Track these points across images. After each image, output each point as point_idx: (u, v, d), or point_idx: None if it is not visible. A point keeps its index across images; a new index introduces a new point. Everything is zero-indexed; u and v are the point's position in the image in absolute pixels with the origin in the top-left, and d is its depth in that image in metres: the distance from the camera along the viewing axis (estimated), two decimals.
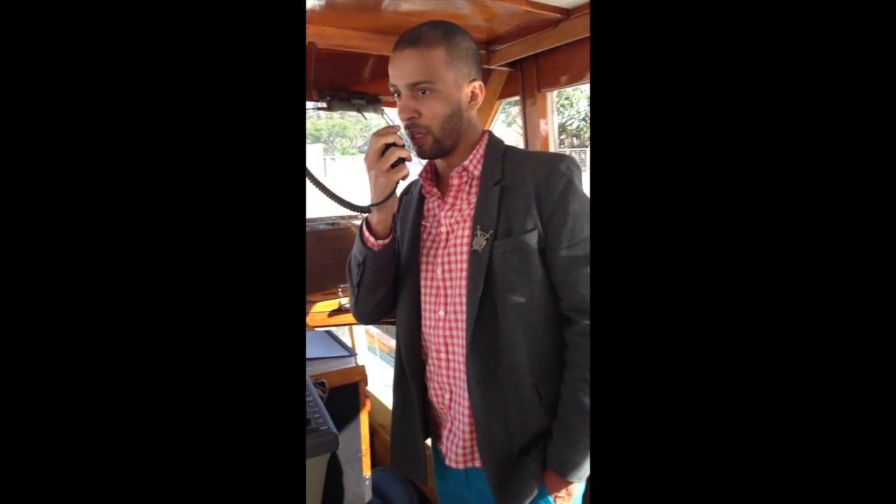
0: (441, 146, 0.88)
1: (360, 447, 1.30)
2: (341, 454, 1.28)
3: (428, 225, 0.95)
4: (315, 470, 1.01)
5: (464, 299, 0.87)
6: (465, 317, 0.87)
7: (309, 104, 1.57)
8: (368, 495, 1.31)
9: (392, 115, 1.81)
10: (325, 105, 1.57)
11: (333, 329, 2.04)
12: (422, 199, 0.97)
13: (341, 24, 1.39)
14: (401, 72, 0.85)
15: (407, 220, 0.98)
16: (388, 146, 0.84)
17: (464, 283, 0.87)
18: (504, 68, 1.56)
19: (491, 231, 0.85)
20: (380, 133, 0.85)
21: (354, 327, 2.53)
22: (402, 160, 0.85)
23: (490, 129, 1.81)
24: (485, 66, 1.61)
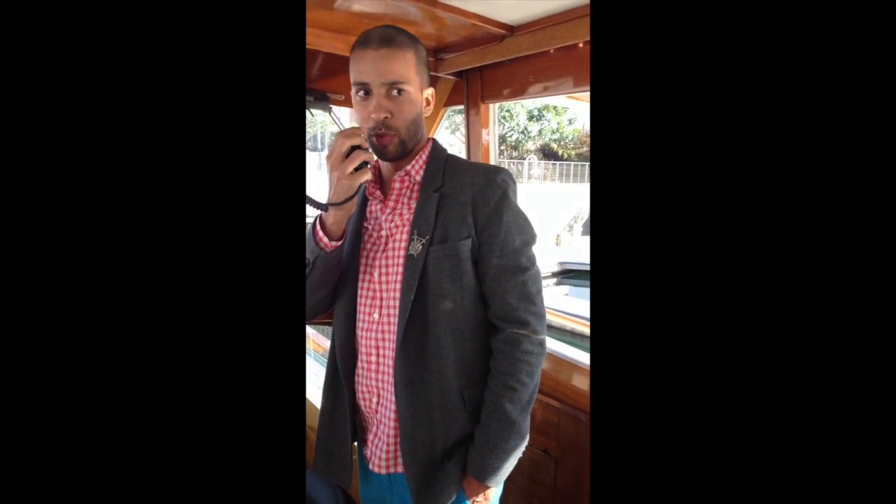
0: (405, 148, 0.89)
1: None
2: None
3: (369, 227, 0.95)
4: None
5: (397, 303, 0.88)
6: (396, 320, 0.88)
7: None
8: None
9: (341, 115, 1.80)
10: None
11: None
12: (365, 201, 0.97)
13: None
14: (377, 70, 0.84)
15: (349, 220, 0.97)
16: (353, 148, 0.83)
17: (399, 286, 0.88)
18: (450, 77, 1.59)
19: (427, 237, 0.87)
20: (345, 134, 0.84)
21: None
22: (365, 163, 0.85)
23: (434, 135, 1.85)
24: (432, 74, 1.64)
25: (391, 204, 0.93)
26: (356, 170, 0.83)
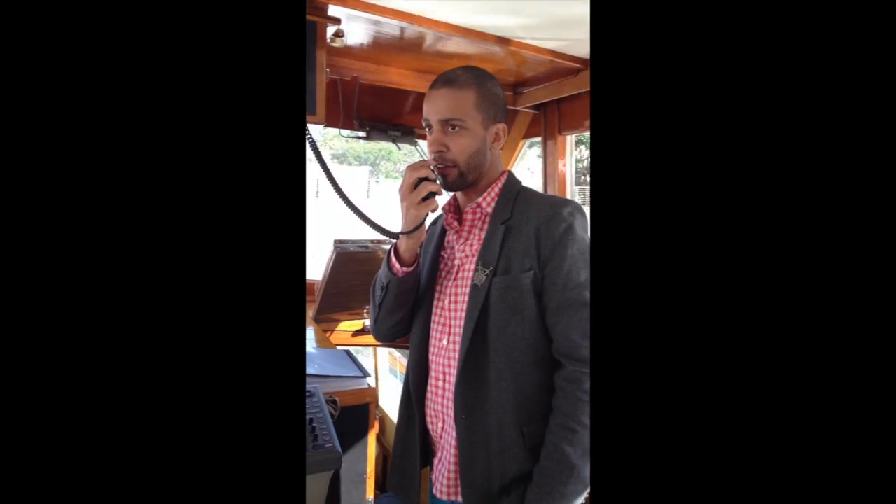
0: (464, 180, 0.93)
1: (365, 469, 1.33)
2: (346, 474, 1.31)
3: (446, 256, 0.99)
4: (317, 486, 1.04)
5: (462, 331, 0.90)
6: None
7: (349, 132, 1.67)
8: None
9: (425, 147, 1.89)
10: (364, 134, 1.66)
11: (357, 349, 2.09)
12: (444, 231, 1.02)
13: (384, 62, 1.49)
14: (435, 108, 0.91)
15: (429, 249, 1.03)
16: (420, 180, 0.89)
17: (464, 315, 0.90)
18: (529, 110, 1.62)
19: (491, 267, 0.89)
20: (414, 167, 0.90)
21: (378, 349, 2.58)
22: (432, 194, 0.90)
23: (512, 167, 1.88)
24: (512, 108, 1.68)
25: (464, 234, 0.97)
26: (424, 200, 0.88)
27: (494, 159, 0.97)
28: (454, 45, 1.30)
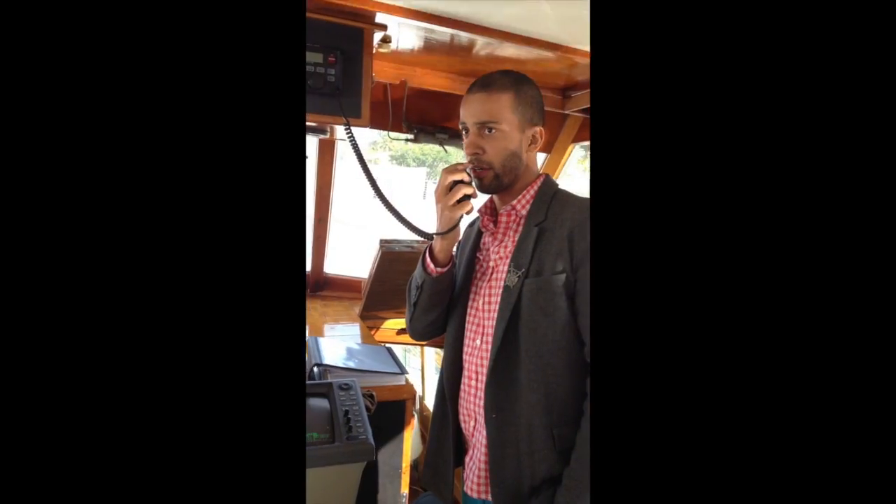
0: (500, 182, 0.94)
1: (400, 463, 1.36)
2: (382, 468, 1.35)
3: (481, 257, 1.01)
4: (350, 476, 1.08)
5: (494, 332, 0.91)
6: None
7: (399, 134, 1.71)
8: None
9: None
10: (412, 137, 1.70)
11: (408, 348, 2.13)
12: (480, 233, 1.03)
13: (433, 66, 1.52)
14: (471, 111, 0.93)
15: (465, 250, 1.05)
16: (455, 182, 0.91)
17: (497, 315, 0.91)
18: (579, 114, 1.59)
19: (523, 269, 0.89)
20: (449, 170, 0.92)
21: (425, 348, 2.62)
22: (467, 196, 0.92)
23: (561, 170, 1.85)
24: (561, 112, 1.66)
25: (499, 236, 0.98)
26: (458, 202, 0.90)
27: (531, 162, 0.97)
28: (504, 50, 1.31)
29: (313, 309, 2.02)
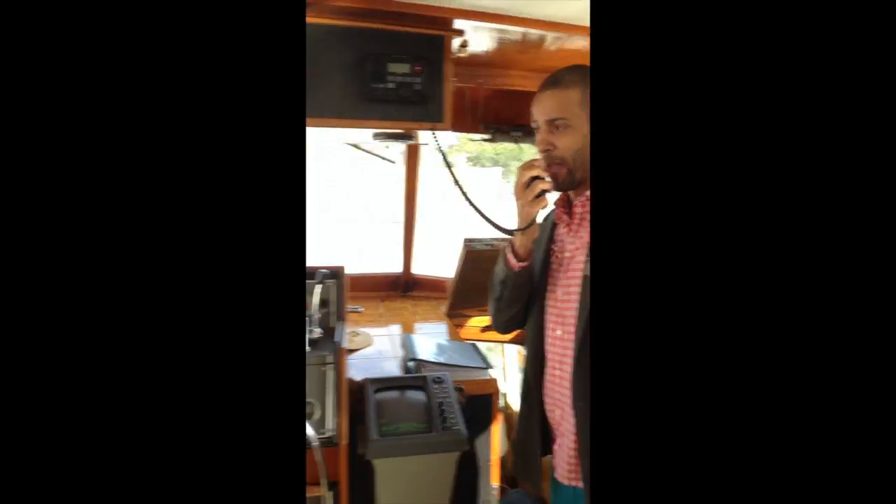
0: (573, 177, 0.96)
1: (489, 456, 1.39)
2: (472, 461, 1.39)
3: (556, 249, 1.03)
4: (446, 466, 1.13)
5: (576, 321, 0.92)
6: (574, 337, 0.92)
7: (476, 136, 1.75)
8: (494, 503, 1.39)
9: None
10: (489, 137, 1.73)
11: (489, 346, 2.16)
12: (554, 225, 1.05)
13: (506, 65, 1.54)
14: (541, 109, 0.96)
15: (541, 244, 1.06)
16: (533, 179, 0.93)
17: (577, 305, 0.93)
18: None
19: None
20: (526, 166, 0.95)
21: (505, 346, 2.63)
22: (544, 192, 0.94)
23: None
24: None
25: (574, 227, 0.99)
26: (536, 197, 0.92)
27: None
28: (573, 43, 1.30)
29: (404, 309, 2.11)
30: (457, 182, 1.07)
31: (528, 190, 0.93)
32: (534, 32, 1.22)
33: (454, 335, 1.80)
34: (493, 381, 1.38)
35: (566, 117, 0.93)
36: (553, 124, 0.94)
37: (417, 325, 1.91)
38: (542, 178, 0.93)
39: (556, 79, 0.96)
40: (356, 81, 1.04)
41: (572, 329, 0.94)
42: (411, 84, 1.05)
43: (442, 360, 1.36)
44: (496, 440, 1.41)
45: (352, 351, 1.56)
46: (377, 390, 1.15)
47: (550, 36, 1.26)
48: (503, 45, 1.34)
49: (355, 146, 1.46)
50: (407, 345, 1.45)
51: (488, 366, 1.40)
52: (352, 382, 1.21)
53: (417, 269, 2.30)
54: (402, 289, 2.26)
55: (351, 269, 2.26)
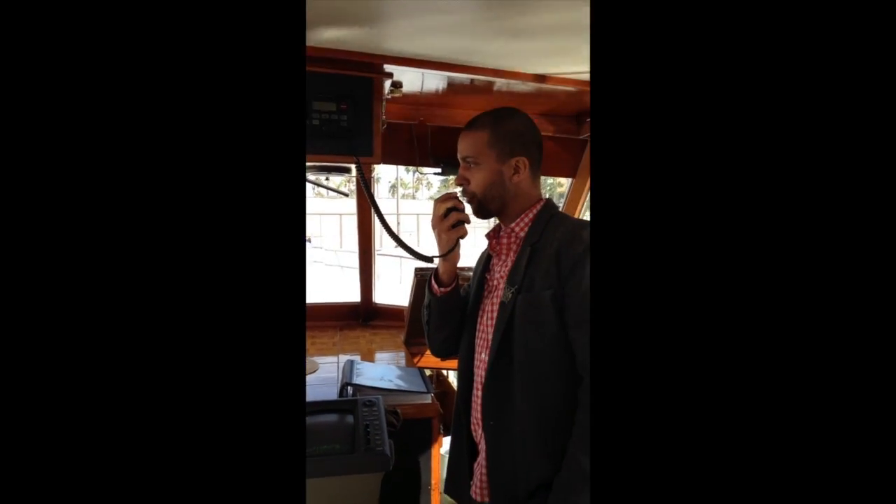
0: (485, 209, 1.04)
1: (430, 479, 1.41)
2: (412, 484, 1.40)
3: (488, 277, 1.09)
4: (369, 486, 1.15)
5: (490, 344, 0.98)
6: None
7: (428, 169, 1.83)
8: None
9: None
10: (440, 170, 1.81)
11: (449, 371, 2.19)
12: (490, 255, 1.12)
13: (459, 105, 1.64)
14: (459, 148, 1.05)
15: (477, 271, 1.14)
16: (449, 210, 1.02)
17: (493, 329, 0.99)
18: None
19: (516, 286, 0.96)
20: (441, 199, 1.04)
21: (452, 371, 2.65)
22: (461, 221, 1.03)
23: (587, 191, 1.88)
24: (577, 137, 1.72)
25: (502, 257, 1.06)
26: (454, 227, 1.01)
27: (521, 189, 1.04)
28: (517, 87, 1.41)
29: (363, 338, 2.15)
30: (378, 213, 1.15)
31: (445, 220, 1.01)
32: (480, 77, 1.32)
33: (410, 363, 1.84)
34: (433, 405, 1.41)
35: (474, 156, 1.02)
36: (466, 162, 1.03)
37: (378, 355, 1.94)
38: (458, 210, 1.02)
39: (471, 122, 1.05)
40: None
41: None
42: (337, 121, 1.14)
43: (380, 385, 1.40)
44: (437, 462, 1.43)
45: None
46: (306, 413, 1.19)
47: (499, 81, 1.36)
48: (454, 86, 1.44)
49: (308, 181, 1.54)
50: (347, 370, 1.49)
51: (428, 390, 1.44)
52: None
53: (379, 298, 2.35)
54: (361, 318, 2.31)
55: (315, 299, 2.31)
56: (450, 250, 1.04)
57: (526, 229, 1.02)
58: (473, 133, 1.03)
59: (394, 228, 1.23)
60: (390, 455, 1.13)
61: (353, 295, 2.32)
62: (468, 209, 1.05)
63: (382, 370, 1.58)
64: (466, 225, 1.04)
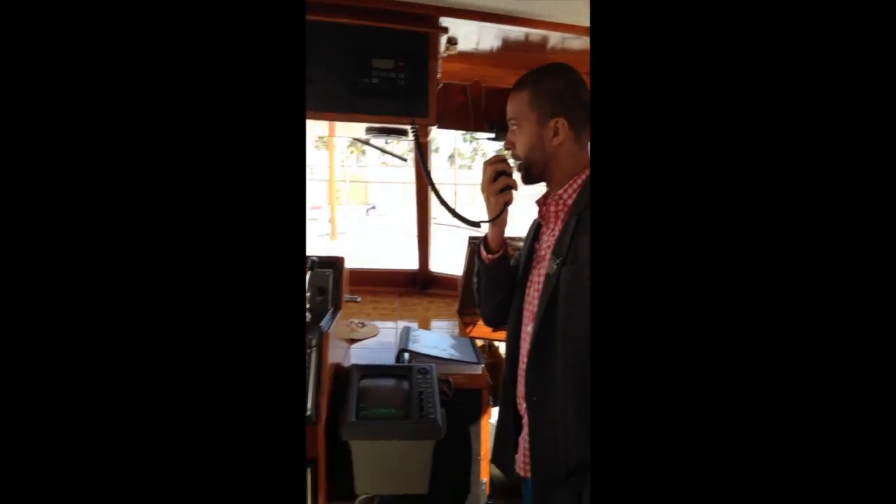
0: (529, 173, 0.99)
1: (479, 450, 1.40)
2: (463, 453, 1.40)
3: (537, 246, 1.04)
4: (422, 451, 1.15)
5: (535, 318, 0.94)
6: None
7: (482, 134, 1.77)
8: (484, 498, 1.40)
9: None
10: (493, 135, 1.74)
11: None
12: (540, 224, 1.06)
13: (512, 65, 1.55)
14: (507, 110, 1.00)
15: (528, 240, 1.08)
16: (499, 173, 0.97)
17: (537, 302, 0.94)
18: None
19: (561, 257, 0.90)
20: (490, 161, 1.00)
21: None
22: (508, 186, 0.99)
23: None
24: None
25: (550, 225, 1.00)
26: (501, 191, 0.97)
27: (564, 152, 0.97)
28: (571, 43, 1.30)
29: (419, 305, 2.15)
30: (428, 176, 1.11)
31: (494, 184, 0.97)
32: (536, 32, 1.23)
33: (463, 333, 1.82)
34: (483, 376, 1.39)
35: (516, 118, 0.97)
36: (511, 124, 0.99)
37: (433, 323, 1.94)
38: (506, 173, 0.97)
39: (518, 81, 0.99)
40: (342, 77, 1.09)
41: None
42: (395, 79, 1.09)
43: (433, 353, 1.39)
44: (486, 434, 1.41)
45: (354, 340, 1.61)
46: (363, 377, 1.19)
47: (554, 37, 1.26)
48: (508, 45, 1.35)
49: (364, 142, 1.51)
50: (403, 337, 1.48)
51: (479, 360, 1.41)
52: (340, 368, 1.25)
53: (437, 266, 2.33)
54: (419, 286, 2.30)
55: (378, 265, 2.32)
56: (497, 215, 0.99)
57: (574, 196, 0.96)
58: (517, 94, 0.98)
59: (449, 201, 1.19)
60: (442, 424, 1.12)
61: (413, 262, 2.32)
62: (517, 175, 1.00)
63: (437, 338, 1.57)
64: (514, 191, 1.00)
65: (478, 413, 1.39)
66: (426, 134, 1.55)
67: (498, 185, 0.97)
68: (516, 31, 1.25)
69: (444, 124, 1.76)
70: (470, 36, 1.29)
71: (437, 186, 1.23)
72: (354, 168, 19.04)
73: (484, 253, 1.04)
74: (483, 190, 0.99)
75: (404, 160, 1.95)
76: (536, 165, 0.98)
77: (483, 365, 1.40)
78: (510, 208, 1.02)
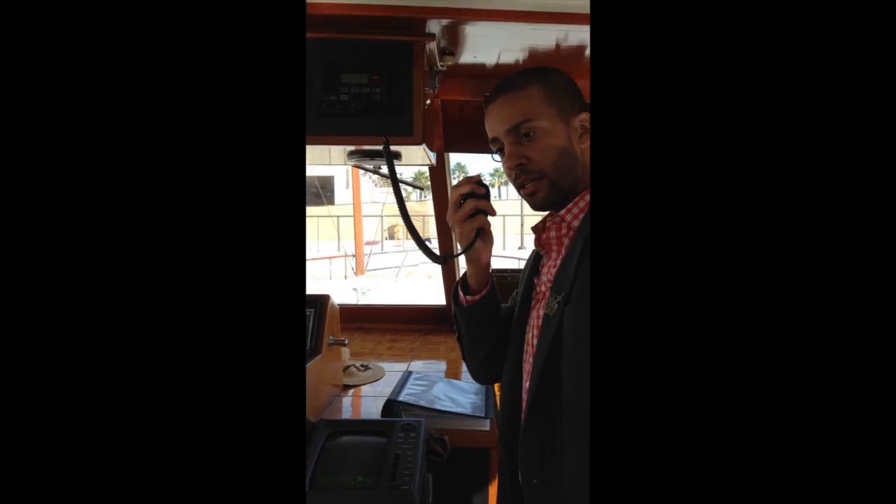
0: (559, 190, 0.79)
1: None
2: None
3: (537, 281, 0.85)
4: None
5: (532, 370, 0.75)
6: None
7: (483, 155, 1.61)
8: None
9: None
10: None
11: None
12: (539, 254, 0.88)
13: None
14: (498, 120, 0.80)
15: (525, 274, 0.90)
16: (465, 197, 0.81)
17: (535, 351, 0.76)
18: None
19: (563, 293, 0.71)
20: (457, 186, 0.83)
21: None
22: (480, 210, 0.81)
23: None
24: None
25: (552, 255, 0.81)
26: (470, 217, 0.80)
27: (586, 159, 0.78)
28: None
29: (444, 344, 1.98)
30: (402, 205, 0.96)
31: (460, 210, 0.80)
32: (572, 34, 1.06)
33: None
34: (491, 433, 1.18)
35: (532, 118, 0.77)
36: (518, 133, 0.78)
37: (454, 365, 1.76)
38: (475, 195, 0.81)
39: (505, 84, 0.81)
40: (308, 97, 0.97)
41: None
42: (368, 95, 0.96)
43: (429, 404, 1.20)
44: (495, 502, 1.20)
45: (351, 387, 1.46)
46: (330, 434, 1.03)
47: (574, 37, 1.08)
48: (533, 55, 1.19)
49: (359, 167, 1.39)
50: (400, 383, 1.31)
51: (488, 415, 1.21)
52: (309, 423, 1.10)
53: None
54: (448, 322, 2.14)
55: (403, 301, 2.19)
56: (467, 247, 0.81)
57: (580, 216, 0.76)
58: (518, 93, 0.78)
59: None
60: (423, 494, 0.94)
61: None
62: (530, 198, 0.81)
63: (444, 386, 1.38)
64: (488, 217, 0.83)
65: (485, 477, 1.18)
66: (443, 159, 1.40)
67: (464, 211, 0.80)
68: (543, 36, 1.06)
69: (453, 148, 1.62)
70: (488, 48, 1.14)
71: None
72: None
73: (461, 294, 0.87)
74: (448, 218, 0.83)
75: (420, 188, 1.82)
76: (567, 176, 0.78)
77: (490, 419, 1.20)
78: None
